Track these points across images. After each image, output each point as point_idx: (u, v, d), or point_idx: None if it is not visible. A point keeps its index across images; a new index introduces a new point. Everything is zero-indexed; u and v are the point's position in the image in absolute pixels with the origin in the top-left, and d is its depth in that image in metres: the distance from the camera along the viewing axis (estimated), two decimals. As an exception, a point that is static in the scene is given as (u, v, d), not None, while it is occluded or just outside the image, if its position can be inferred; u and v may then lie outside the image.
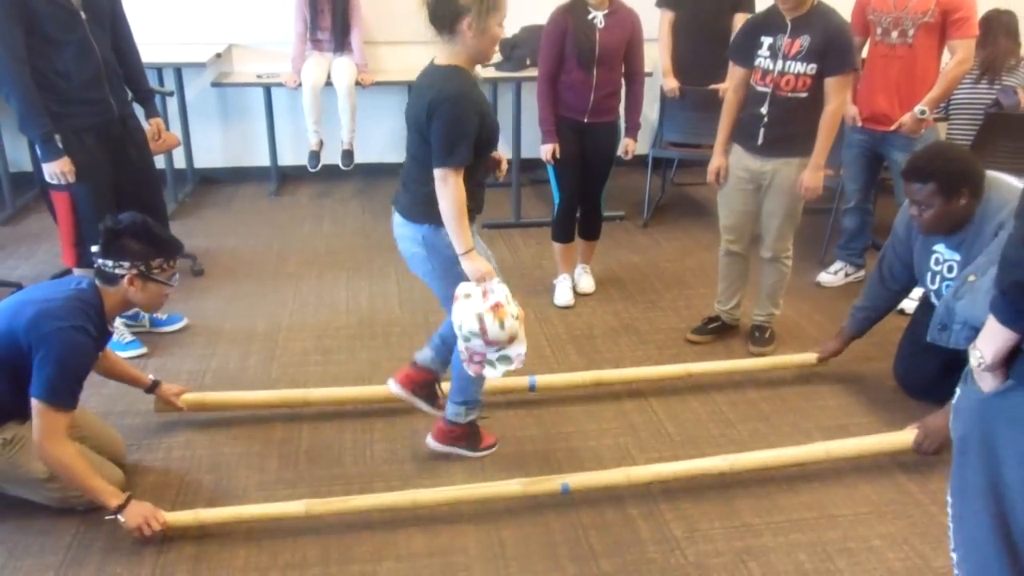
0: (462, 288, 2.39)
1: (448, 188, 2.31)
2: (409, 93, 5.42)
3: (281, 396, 3.04)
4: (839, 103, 3.13)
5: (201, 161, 5.58)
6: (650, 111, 5.90)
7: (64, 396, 2.28)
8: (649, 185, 5.01)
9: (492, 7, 2.31)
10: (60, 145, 3.01)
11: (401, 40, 5.52)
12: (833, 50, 3.07)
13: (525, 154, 5.04)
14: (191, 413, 2.93)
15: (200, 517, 2.40)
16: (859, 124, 3.90)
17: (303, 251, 4.55)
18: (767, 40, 3.18)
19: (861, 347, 3.35)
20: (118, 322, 3.30)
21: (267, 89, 5.29)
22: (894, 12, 3.67)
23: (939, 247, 2.88)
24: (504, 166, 2.66)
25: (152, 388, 2.84)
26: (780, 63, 3.14)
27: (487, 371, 2.43)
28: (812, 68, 3.09)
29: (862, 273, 4.17)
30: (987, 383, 1.51)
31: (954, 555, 1.72)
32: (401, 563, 2.34)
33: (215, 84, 5.26)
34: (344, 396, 3.07)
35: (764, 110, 3.21)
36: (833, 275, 4.17)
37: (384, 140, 5.74)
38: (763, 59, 3.19)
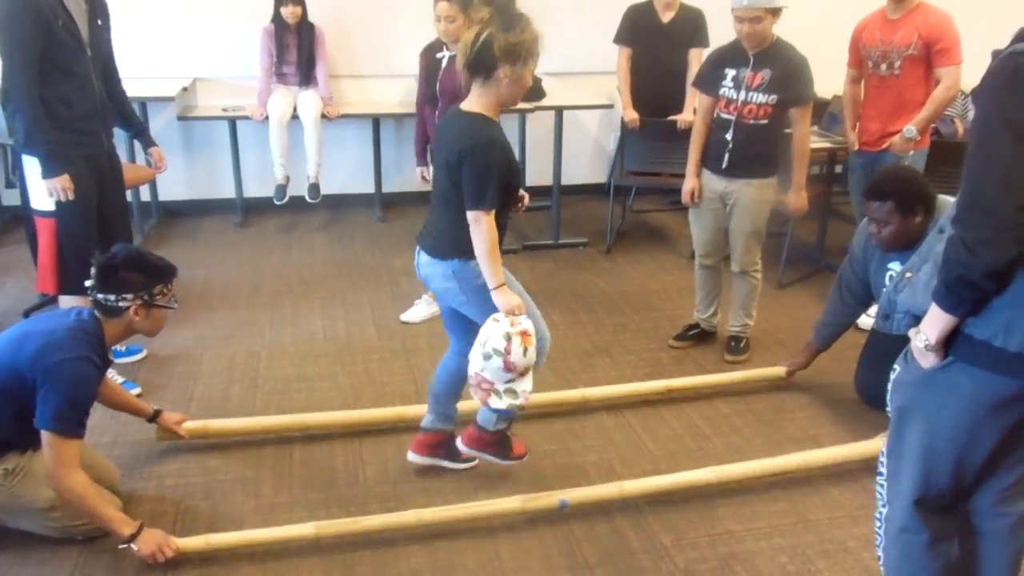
0: (495, 315, 2.47)
1: (481, 229, 2.39)
2: (375, 127, 5.55)
3: (283, 421, 3.12)
4: (804, 129, 3.43)
5: (165, 194, 5.59)
6: (607, 142, 6.13)
7: (73, 425, 2.32)
8: (611, 213, 5.19)
9: (530, 57, 2.38)
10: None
11: (365, 74, 5.66)
12: (793, 83, 3.35)
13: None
14: (176, 441, 2.97)
15: (211, 542, 2.45)
16: (856, 148, 4.15)
17: (275, 281, 4.60)
18: (731, 72, 3.43)
19: (823, 363, 3.54)
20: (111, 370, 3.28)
21: (232, 122, 5.34)
22: (881, 47, 3.93)
23: (893, 264, 3.09)
24: (525, 202, 2.71)
25: (154, 417, 2.89)
26: (743, 93, 3.40)
27: (492, 400, 2.48)
28: (773, 98, 3.35)
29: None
30: (928, 361, 1.78)
31: (883, 510, 2.00)
32: (404, 579, 2.42)
33: (181, 118, 5.29)
34: (344, 420, 3.14)
35: (729, 136, 3.45)
36: None
37: (348, 171, 5.82)
38: (727, 89, 3.44)
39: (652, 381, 3.44)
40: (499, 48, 2.32)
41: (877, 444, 2.94)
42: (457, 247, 2.50)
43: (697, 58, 4.84)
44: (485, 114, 2.44)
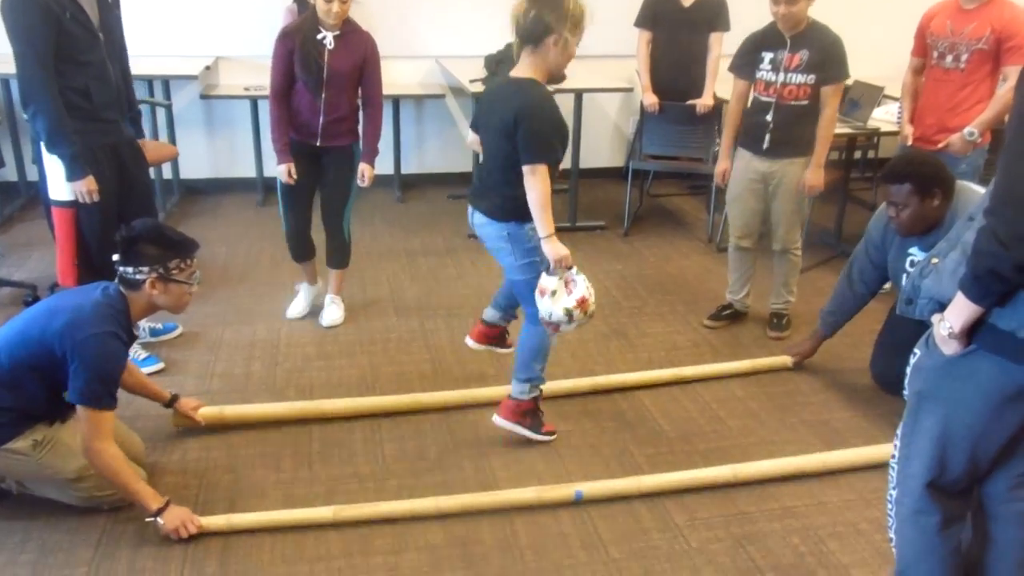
0: (546, 283, 2.63)
1: (536, 179, 2.54)
2: (395, 108, 5.55)
3: (299, 408, 3.12)
4: (833, 109, 3.48)
5: (187, 172, 5.64)
6: (626, 125, 6.13)
7: (104, 398, 2.38)
8: (629, 196, 5.20)
9: (577, 27, 2.56)
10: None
11: (385, 55, 5.56)
12: (829, 63, 3.41)
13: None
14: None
15: (232, 522, 2.52)
16: (910, 143, 3.96)
17: (295, 260, 4.64)
18: (768, 55, 3.50)
19: (839, 348, 3.57)
20: (135, 345, 3.33)
21: (253, 101, 5.37)
22: (950, 38, 3.77)
23: (913, 249, 3.09)
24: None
25: (171, 403, 2.93)
26: (782, 75, 3.46)
27: (562, 327, 2.68)
28: (811, 79, 3.42)
29: None
30: (951, 348, 1.79)
31: (894, 492, 2.02)
32: (421, 553, 2.47)
33: (204, 96, 5.33)
34: (358, 407, 3.15)
35: (769, 117, 3.51)
36: None
37: (367, 152, 5.84)
38: (765, 72, 3.51)
39: (664, 369, 3.48)
40: (550, 15, 2.50)
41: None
42: (513, 211, 2.67)
43: (718, 42, 4.83)
44: (535, 78, 2.60)
